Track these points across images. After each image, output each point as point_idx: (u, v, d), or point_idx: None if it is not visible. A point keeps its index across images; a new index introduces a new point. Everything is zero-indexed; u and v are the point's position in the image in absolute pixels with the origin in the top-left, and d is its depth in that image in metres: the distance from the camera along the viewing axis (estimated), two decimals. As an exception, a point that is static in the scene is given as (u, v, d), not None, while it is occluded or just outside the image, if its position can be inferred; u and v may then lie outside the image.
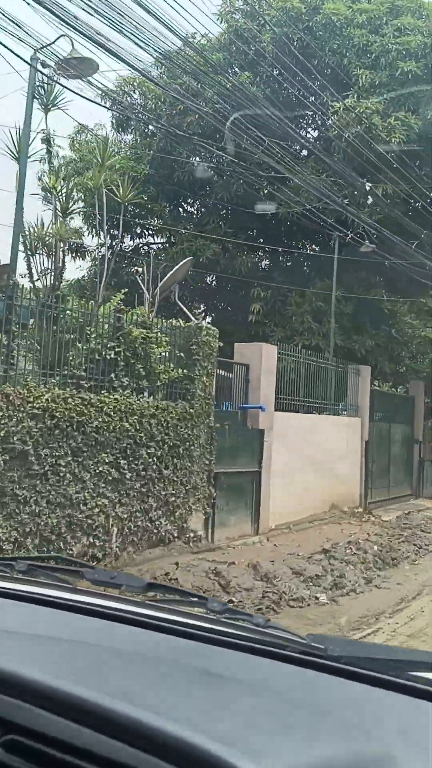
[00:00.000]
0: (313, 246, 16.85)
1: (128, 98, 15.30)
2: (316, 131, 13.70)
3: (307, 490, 10.94)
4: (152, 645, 1.22)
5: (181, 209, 16.03)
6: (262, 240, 16.22)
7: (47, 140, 8.08)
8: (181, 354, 8.12)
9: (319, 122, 13.77)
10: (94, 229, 15.01)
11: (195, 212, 15.72)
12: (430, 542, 8.86)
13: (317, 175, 13.28)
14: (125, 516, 6.93)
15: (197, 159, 14.66)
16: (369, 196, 12.49)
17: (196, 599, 1.49)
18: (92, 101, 10.30)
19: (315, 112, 12.98)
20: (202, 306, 17.51)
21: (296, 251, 16.79)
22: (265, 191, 15.22)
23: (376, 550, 7.95)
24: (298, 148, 12.89)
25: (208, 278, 16.69)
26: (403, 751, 0.88)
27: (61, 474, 6.18)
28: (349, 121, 12.01)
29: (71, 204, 8.20)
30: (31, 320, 6.71)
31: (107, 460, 6.67)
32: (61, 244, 7.64)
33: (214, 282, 16.84)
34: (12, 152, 7.53)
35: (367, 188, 12.15)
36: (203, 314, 16.93)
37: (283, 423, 10.22)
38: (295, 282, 15.80)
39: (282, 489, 10.10)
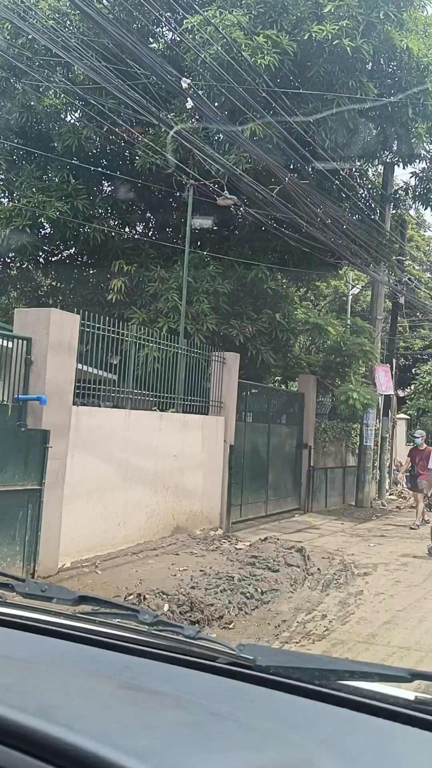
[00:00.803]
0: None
1: None
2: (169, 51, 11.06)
3: (133, 511, 8.26)
4: (79, 658, 1.20)
5: (15, 157, 13.08)
6: (121, 199, 13.43)
7: None
8: None
9: (172, 42, 11.12)
10: None
11: (35, 162, 12.81)
12: (268, 589, 6.29)
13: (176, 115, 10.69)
14: None
15: (35, 94, 11.82)
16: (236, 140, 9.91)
17: (127, 611, 1.44)
18: None
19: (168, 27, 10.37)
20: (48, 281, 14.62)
21: (162, 213, 14.11)
22: (120, 140, 12.54)
23: (170, 610, 5.29)
24: (155, 80, 10.25)
25: (60, 247, 13.86)
26: (326, 760, 0.88)
27: None
28: (207, 39, 9.42)
29: None
30: None
31: None
32: None
33: (64, 251, 14.00)
34: None
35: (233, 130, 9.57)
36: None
37: (91, 422, 7.51)
38: (164, 254, 13.16)
39: (86, 512, 7.37)
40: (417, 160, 13.60)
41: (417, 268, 40.61)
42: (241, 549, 8.74)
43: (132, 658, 1.20)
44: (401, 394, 35.55)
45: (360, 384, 13.60)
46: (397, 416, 30.33)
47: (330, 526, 12.14)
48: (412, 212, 28.39)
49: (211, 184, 10.05)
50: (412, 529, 11.71)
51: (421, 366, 32.42)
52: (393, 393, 16.78)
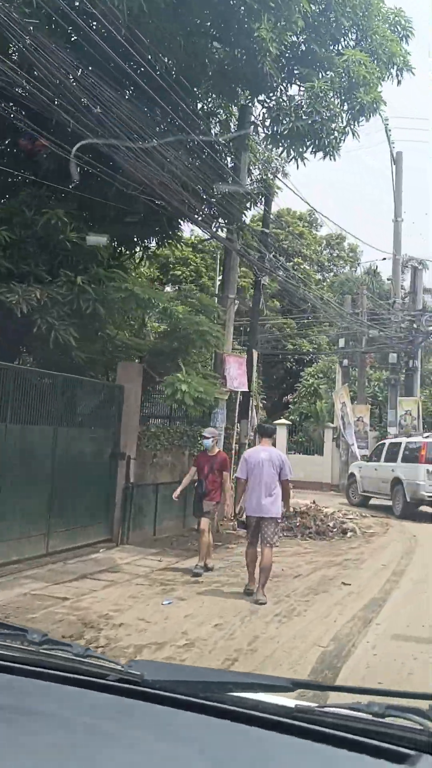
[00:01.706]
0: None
1: None
2: None
3: None
4: None
5: None
6: None
7: None
8: None
9: None
10: None
11: None
12: None
13: None
14: None
15: None
16: None
17: (14, 631, 1.40)
18: None
19: None
20: None
21: None
22: None
23: None
24: None
25: None
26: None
27: None
28: None
29: None
30: None
31: None
32: None
33: None
34: None
35: None
36: None
37: None
38: None
39: None
40: (269, 93, 10.68)
41: (307, 267, 38.88)
42: None
43: (20, 678, 1.19)
44: (289, 398, 33.39)
45: (197, 375, 10.48)
46: (278, 422, 27.86)
47: (139, 565, 8.84)
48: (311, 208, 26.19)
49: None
50: (195, 575, 8.18)
51: (307, 368, 30.16)
52: (246, 389, 13.78)
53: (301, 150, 10.31)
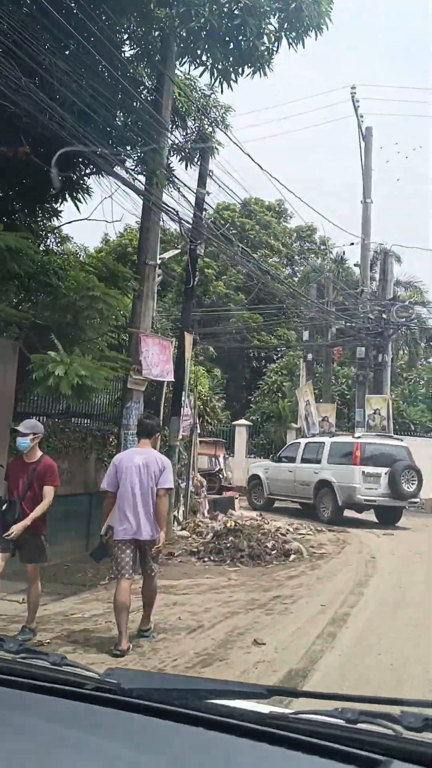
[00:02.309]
0: None
1: None
2: None
3: None
4: None
5: None
6: None
7: None
8: None
9: None
10: None
11: None
12: None
13: None
14: None
15: None
16: None
17: None
18: None
19: None
20: None
21: None
22: None
23: None
24: None
25: None
26: None
27: None
28: None
29: None
30: None
31: None
32: None
33: None
34: None
35: None
36: None
37: None
38: None
39: None
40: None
41: (276, 260, 36.60)
42: None
43: None
44: (251, 397, 30.99)
45: (87, 357, 8.03)
46: (237, 422, 25.46)
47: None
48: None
49: None
50: (22, 638, 5.46)
51: (270, 365, 27.85)
52: (171, 379, 11.36)
53: (224, 63, 7.92)
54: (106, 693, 1.16)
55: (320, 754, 1.03)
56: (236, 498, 16.83)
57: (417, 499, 14.95)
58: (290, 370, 26.16)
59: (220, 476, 22.84)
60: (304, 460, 16.30)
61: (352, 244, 23.45)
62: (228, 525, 10.85)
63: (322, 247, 36.75)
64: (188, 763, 0.99)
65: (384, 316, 21.00)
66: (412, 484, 14.26)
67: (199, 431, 14.31)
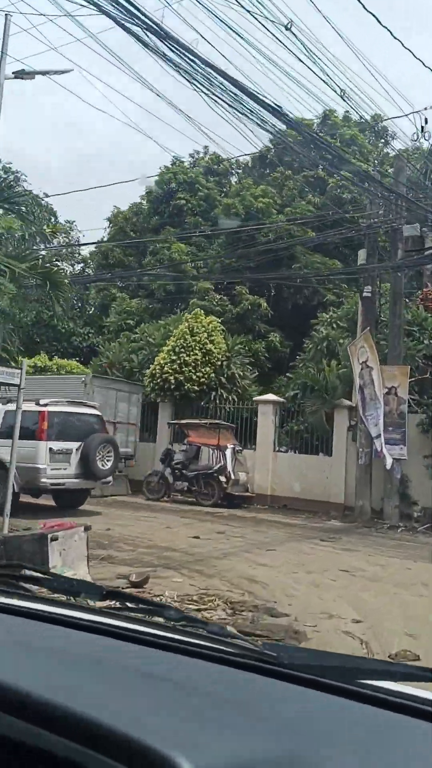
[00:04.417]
0: None
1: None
2: None
3: None
4: (102, 650, 1.23)
5: None
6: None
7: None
8: None
9: None
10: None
11: None
12: None
13: None
14: None
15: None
16: None
17: (153, 607, 1.47)
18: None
19: None
20: None
21: None
22: None
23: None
24: None
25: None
26: (338, 753, 0.89)
27: None
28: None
29: None
30: None
31: None
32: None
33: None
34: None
35: None
36: None
37: None
38: None
39: None
40: None
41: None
42: None
43: (158, 652, 1.22)
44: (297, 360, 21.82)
45: None
46: (261, 398, 17.01)
47: None
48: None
49: None
50: None
51: (322, 315, 18.90)
52: None
53: None
54: (265, 664, 1.14)
55: None
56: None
57: (110, 479, 13.21)
58: (353, 321, 17.11)
59: (225, 477, 14.67)
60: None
61: None
62: None
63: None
64: (359, 738, 0.94)
65: None
66: (108, 461, 12.66)
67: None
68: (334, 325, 17.43)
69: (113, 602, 1.46)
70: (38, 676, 1.00)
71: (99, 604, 1.44)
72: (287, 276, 21.26)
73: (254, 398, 16.37)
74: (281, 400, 16.28)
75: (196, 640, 1.25)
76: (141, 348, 18.76)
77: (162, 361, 16.73)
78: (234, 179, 30.01)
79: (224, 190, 27.92)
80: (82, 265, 30.79)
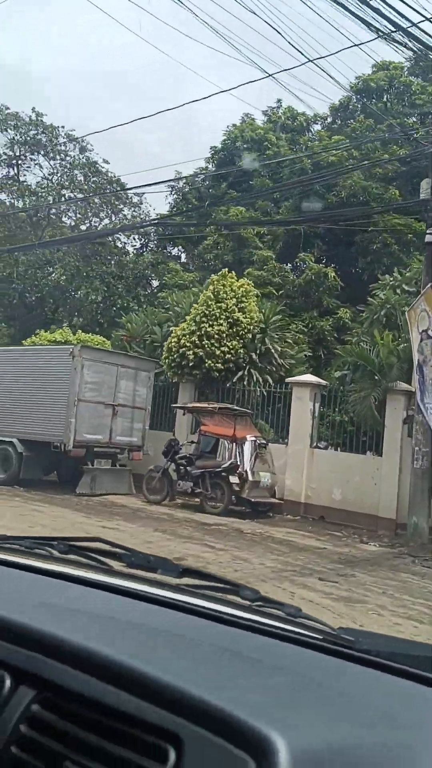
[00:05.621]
0: None
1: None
2: None
3: None
4: (185, 626, 1.24)
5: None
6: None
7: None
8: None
9: None
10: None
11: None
12: None
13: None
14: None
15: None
16: None
17: (229, 586, 1.45)
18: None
19: None
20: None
21: None
22: None
23: None
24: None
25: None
26: (424, 741, 0.88)
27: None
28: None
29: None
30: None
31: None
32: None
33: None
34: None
35: None
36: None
37: None
38: None
39: None
40: None
41: None
42: None
43: (236, 630, 1.21)
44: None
45: None
46: (296, 379, 13.55)
47: None
48: None
49: None
50: None
51: (384, 278, 15.05)
52: None
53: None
54: (343, 648, 1.14)
55: None
56: None
57: None
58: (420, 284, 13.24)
59: (238, 478, 11.54)
60: None
61: None
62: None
63: None
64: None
65: None
66: None
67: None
68: (398, 291, 13.61)
69: (190, 579, 1.46)
70: (131, 648, 1.02)
71: (175, 581, 1.43)
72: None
73: (287, 380, 12.98)
74: (322, 382, 12.80)
75: (273, 621, 1.24)
76: (168, 320, 15.86)
77: (180, 333, 13.74)
78: (311, 133, 26.41)
79: (294, 147, 24.48)
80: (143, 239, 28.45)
